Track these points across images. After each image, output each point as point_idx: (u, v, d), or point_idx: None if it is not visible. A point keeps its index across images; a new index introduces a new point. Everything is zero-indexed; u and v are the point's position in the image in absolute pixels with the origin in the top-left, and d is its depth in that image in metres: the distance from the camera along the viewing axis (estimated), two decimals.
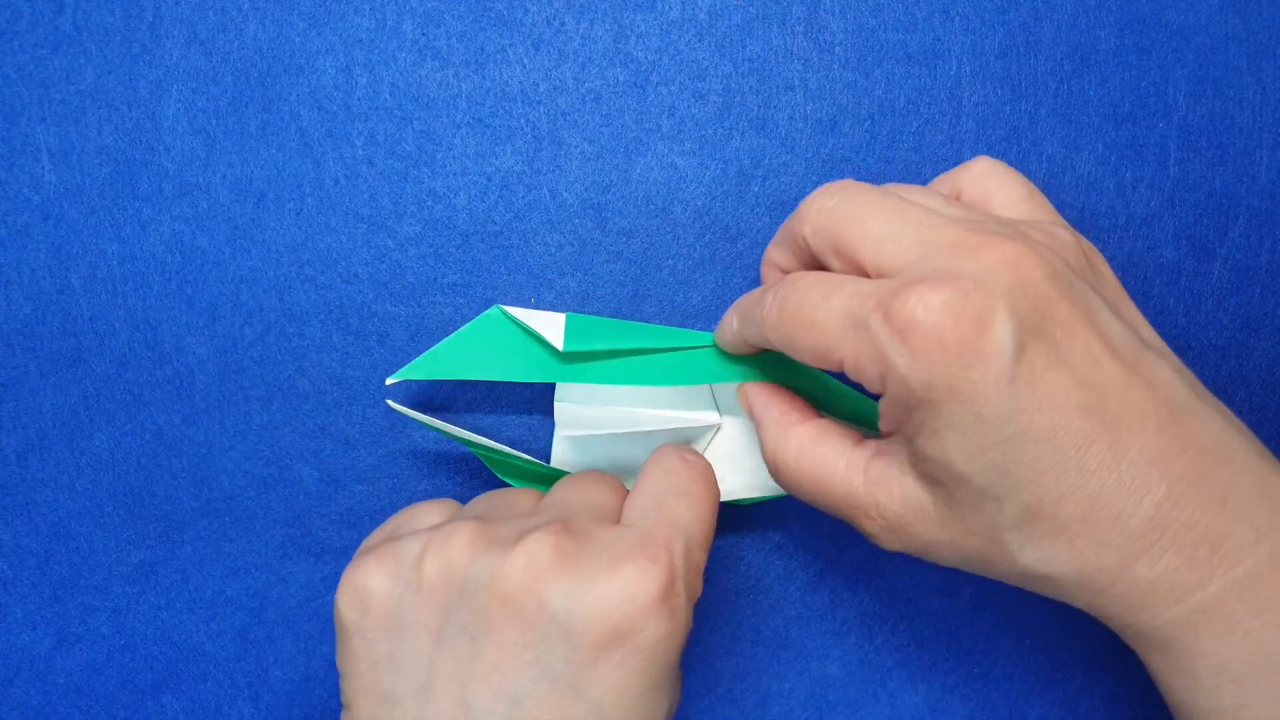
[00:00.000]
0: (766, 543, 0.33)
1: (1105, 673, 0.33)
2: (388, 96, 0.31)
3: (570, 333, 0.29)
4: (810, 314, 0.23)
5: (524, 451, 0.32)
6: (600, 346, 0.28)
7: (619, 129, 0.31)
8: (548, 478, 0.30)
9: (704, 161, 0.31)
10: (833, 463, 0.25)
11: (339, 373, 0.31)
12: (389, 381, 0.29)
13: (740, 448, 0.30)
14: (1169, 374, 0.22)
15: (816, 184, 0.31)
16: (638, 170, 0.31)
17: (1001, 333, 0.20)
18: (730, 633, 0.33)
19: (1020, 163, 0.31)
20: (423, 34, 0.31)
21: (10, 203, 0.31)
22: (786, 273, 0.27)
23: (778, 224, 0.31)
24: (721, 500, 0.30)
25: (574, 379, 0.29)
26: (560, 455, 0.31)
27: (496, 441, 0.30)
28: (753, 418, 0.28)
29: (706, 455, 0.30)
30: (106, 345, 0.31)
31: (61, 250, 0.31)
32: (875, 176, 0.31)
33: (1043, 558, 0.22)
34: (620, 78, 0.31)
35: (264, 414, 0.31)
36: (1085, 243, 0.24)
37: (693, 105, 0.31)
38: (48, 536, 0.32)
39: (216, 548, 0.32)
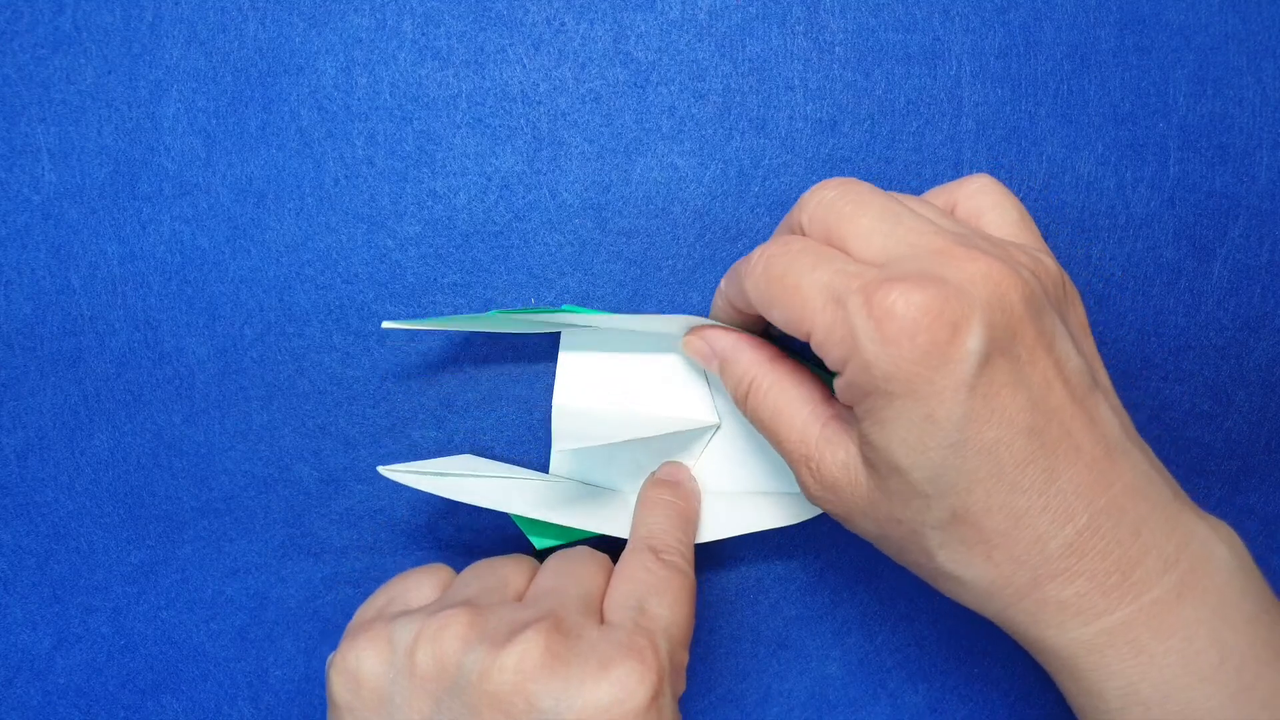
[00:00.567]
0: (767, 543, 0.33)
1: None
2: (388, 96, 0.31)
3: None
4: (795, 279, 0.23)
5: (523, 464, 0.32)
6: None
7: (619, 129, 0.31)
8: (561, 531, 0.30)
9: (704, 161, 0.31)
10: (798, 407, 0.25)
11: (339, 373, 0.31)
12: (386, 325, 0.28)
13: (739, 450, 0.30)
14: (1109, 414, 0.23)
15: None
16: (638, 170, 0.31)
17: (972, 342, 0.21)
18: (730, 633, 0.33)
19: (1020, 163, 0.31)
20: (422, 34, 0.31)
21: (10, 203, 0.31)
22: None
23: (778, 224, 0.31)
24: (732, 513, 0.30)
25: (574, 346, 0.30)
26: (560, 460, 0.31)
27: (493, 458, 0.30)
28: (714, 358, 0.28)
29: (704, 456, 0.30)
30: (106, 345, 0.31)
31: (61, 250, 0.31)
32: (875, 176, 0.31)
33: (958, 560, 0.23)
34: (620, 78, 0.31)
35: (264, 414, 0.31)
36: (1066, 276, 0.25)
37: (693, 105, 0.31)
38: (47, 536, 0.32)
39: (216, 548, 0.32)
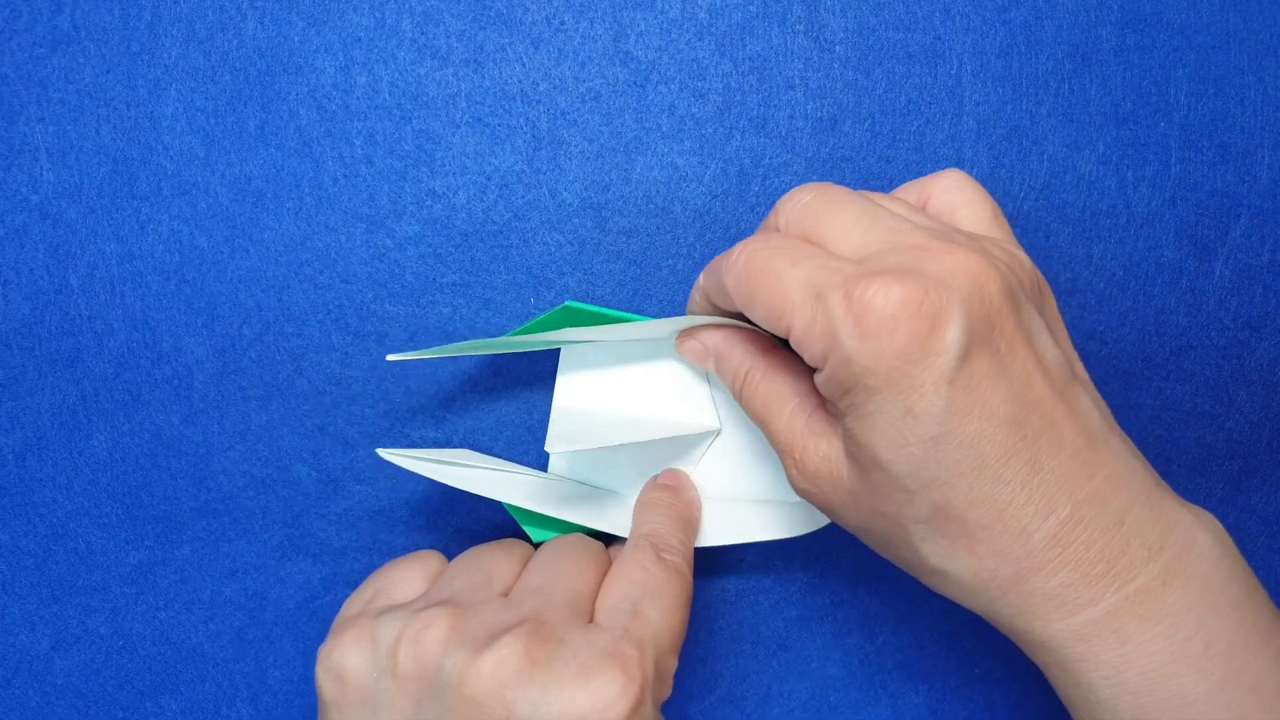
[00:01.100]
0: (767, 544, 0.32)
1: None
2: (386, 95, 0.31)
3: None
4: (775, 273, 0.23)
5: (522, 463, 0.32)
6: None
7: (619, 128, 0.31)
8: (558, 524, 0.30)
9: (704, 161, 0.31)
10: (786, 397, 0.26)
11: (337, 373, 0.31)
12: (390, 358, 0.28)
13: (740, 456, 0.30)
14: (1089, 404, 0.23)
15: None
16: (638, 170, 0.31)
17: (951, 334, 0.21)
18: (731, 634, 0.33)
19: (1022, 162, 0.31)
20: (422, 33, 0.31)
21: (8, 202, 0.30)
22: None
23: None
24: (732, 521, 0.30)
25: (572, 365, 0.30)
26: (558, 460, 0.31)
27: (494, 456, 0.30)
28: (708, 356, 0.28)
29: (704, 461, 0.30)
30: (105, 345, 0.31)
31: (60, 250, 0.31)
32: (876, 176, 0.31)
33: (941, 554, 0.23)
34: (620, 77, 0.31)
35: (262, 414, 0.31)
36: (1038, 272, 0.25)
37: (693, 104, 0.31)
38: (46, 537, 0.32)
39: (215, 548, 0.32)
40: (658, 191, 0.31)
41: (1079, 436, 0.22)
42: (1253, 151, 0.32)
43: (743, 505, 0.30)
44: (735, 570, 0.33)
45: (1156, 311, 0.32)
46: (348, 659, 0.24)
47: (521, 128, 0.31)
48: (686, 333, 0.29)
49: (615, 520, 0.30)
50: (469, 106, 0.31)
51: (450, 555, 0.32)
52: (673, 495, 0.29)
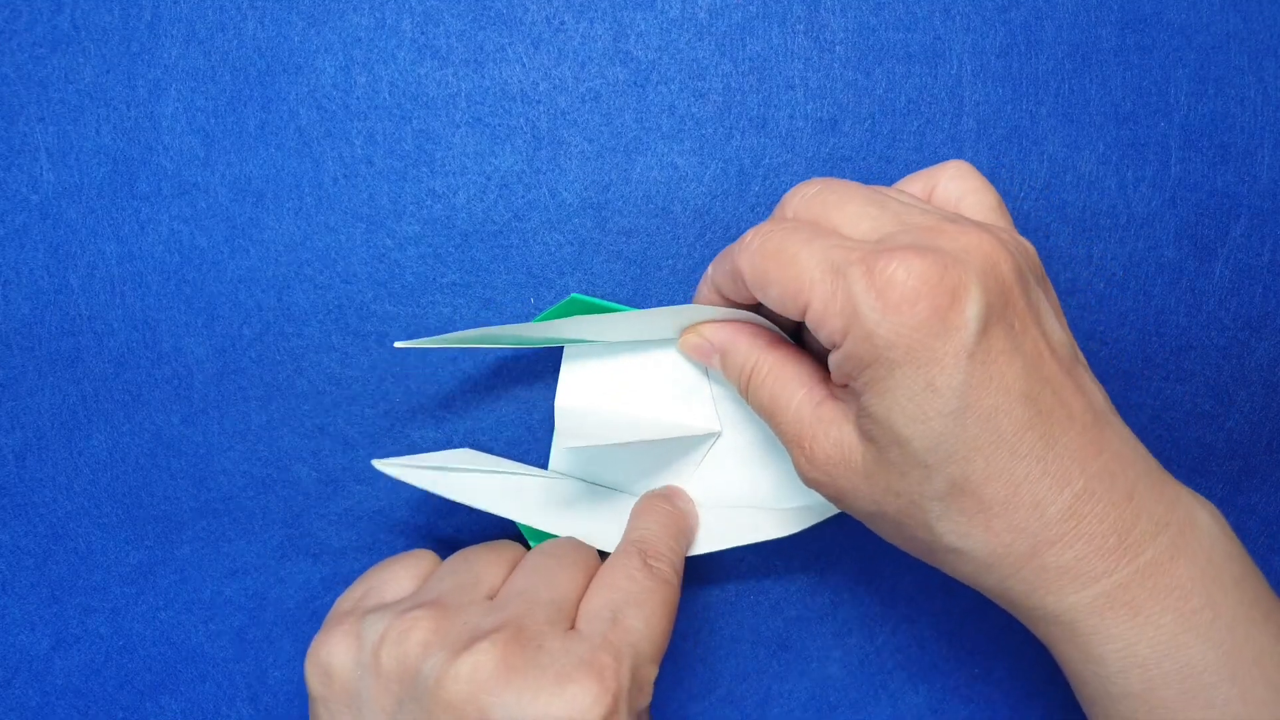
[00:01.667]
0: (767, 544, 0.32)
1: None
2: (386, 95, 0.31)
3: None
4: (791, 252, 0.24)
5: (522, 460, 0.32)
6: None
7: (619, 128, 0.31)
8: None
9: (704, 161, 0.31)
10: (794, 389, 0.26)
11: (337, 373, 0.31)
12: (398, 345, 0.28)
13: (741, 460, 0.30)
14: (1093, 385, 0.24)
15: None
16: (638, 170, 0.31)
17: (971, 309, 0.21)
18: (731, 634, 0.33)
19: (1021, 162, 0.31)
20: (422, 33, 0.31)
21: (8, 202, 0.30)
22: None
23: None
24: (729, 525, 0.30)
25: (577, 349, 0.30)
26: (559, 457, 0.31)
27: (496, 455, 0.30)
28: (714, 351, 0.28)
29: (705, 464, 0.30)
30: (105, 345, 0.31)
31: (60, 250, 0.31)
32: (876, 175, 0.31)
33: (958, 531, 0.23)
34: (620, 77, 0.31)
35: (262, 414, 0.31)
36: (1039, 257, 0.26)
37: (693, 104, 0.31)
38: (46, 537, 0.32)
39: (215, 548, 0.32)
40: (658, 191, 0.31)
41: (1087, 413, 0.23)
42: (1253, 151, 0.32)
43: (742, 512, 0.30)
44: (735, 570, 0.33)
45: (1156, 311, 0.32)
46: (334, 656, 0.25)
47: (521, 128, 0.31)
48: (690, 329, 0.28)
49: (610, 531, 0.30)
50: (469, 106, 0.31)
51: (450, 556, 0.32)
52: (669, 502, 0.29)
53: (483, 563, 0.27)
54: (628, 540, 0.28)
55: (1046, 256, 0.32)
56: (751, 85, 0.31)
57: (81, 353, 0.31)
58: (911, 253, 0.22)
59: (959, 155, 0.31)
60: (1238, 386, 0.32)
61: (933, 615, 0.33)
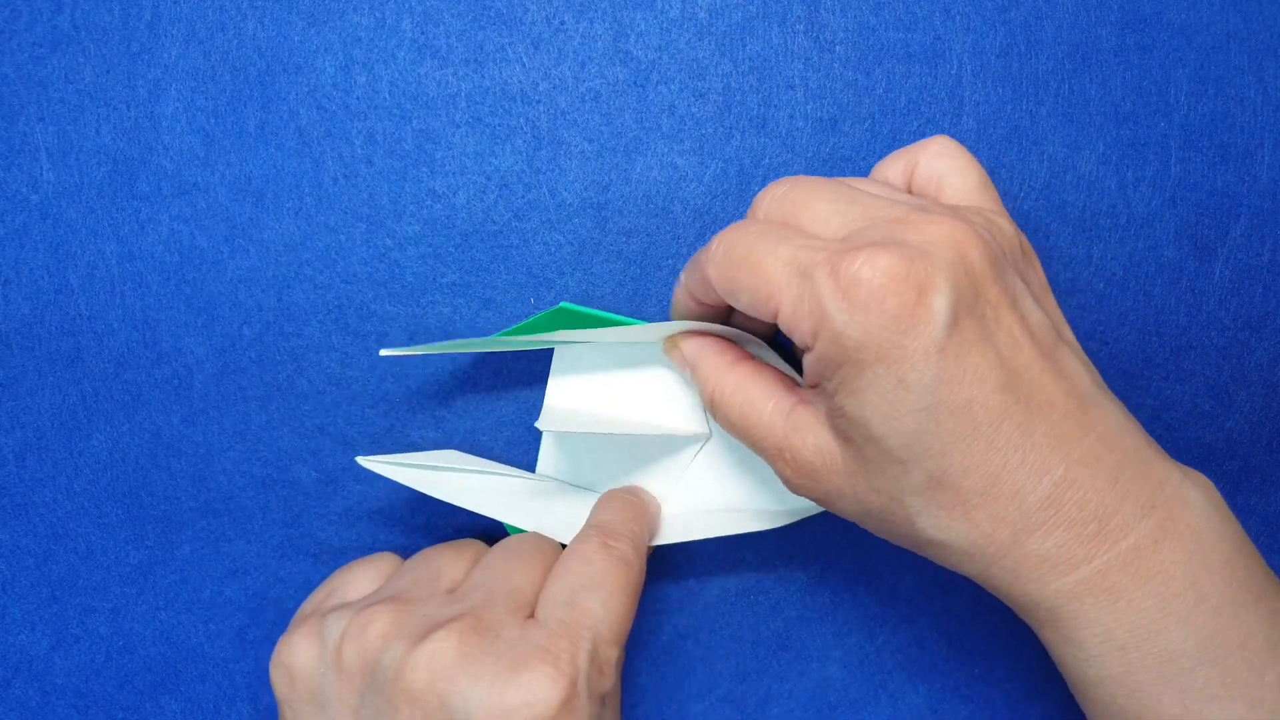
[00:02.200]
0: (767, 544, 0.32)
1: None
2: (386, 95, 0.31)
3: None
4: (757, 257, 0.23)
5: (520, 467, 0.32)
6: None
7: (619, 128, 0.31)
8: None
9: (704, 161, 0.31)
10: (761, 404, 0.26)
11: (337, 373, 0.31)
12: (383, 353, 0.28)
13: (729, 464, 0.30)
14: (1078, 366, 0.23)
15: None
16: (638, 169, 0.31)
17: (939, 303, 0.21)
18: (730, 634, 0.33)
19: (1021, 162, 0.31)
20: (422, 32, 0.31)
21: (8, 202, 0.30)
22: None
23: None
24: (706, 519, 0.30)
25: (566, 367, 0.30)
26: (546, 459, 0.31)
27: (491, 459, 0.30)
28: (687, 365, 0.28)
29: (692, 468, 0.30)
30: (105, 345, 0.31)
31: (60, 250, 0.31)
32: None
33: (939, 525, 0.23)
34: (620, 76, 0.31)
35: (262, 414, 0.31)
36: (1022, 235, 0.25)
37: (693, 104, 0.31)
38: (46, 537, 0.32)
39: (215, 548, 0.32)
40: (658, 191, 0.31)
41: (1069, 398, 0.22)
42: (1253, 151, 0.32)
43: (731, 513, 0.30)
44: (735, 570, 0.33)
45: (1156, 311, 0.32)
46: (296, 656, 0.25)
47: (521, 128, 0.31)
48: (669, 341, 0.29)
49: None
50: (469, 106, 0.31)
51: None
52: (629, 492, 0.30)
53: (444, 559, 0.28)
54: (586, 525, 0.28)
55: (1046, 256, 0.32)
56: (751, 85, 0.31)
57: (81, 353, 0.31)
58: (876, 250, 0.21)
59: None
60: (1238, 387, 0.32)
61: (933, 615, 0.33)
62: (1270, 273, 0.32)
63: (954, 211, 0.24)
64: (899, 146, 0.31)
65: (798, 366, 0.28)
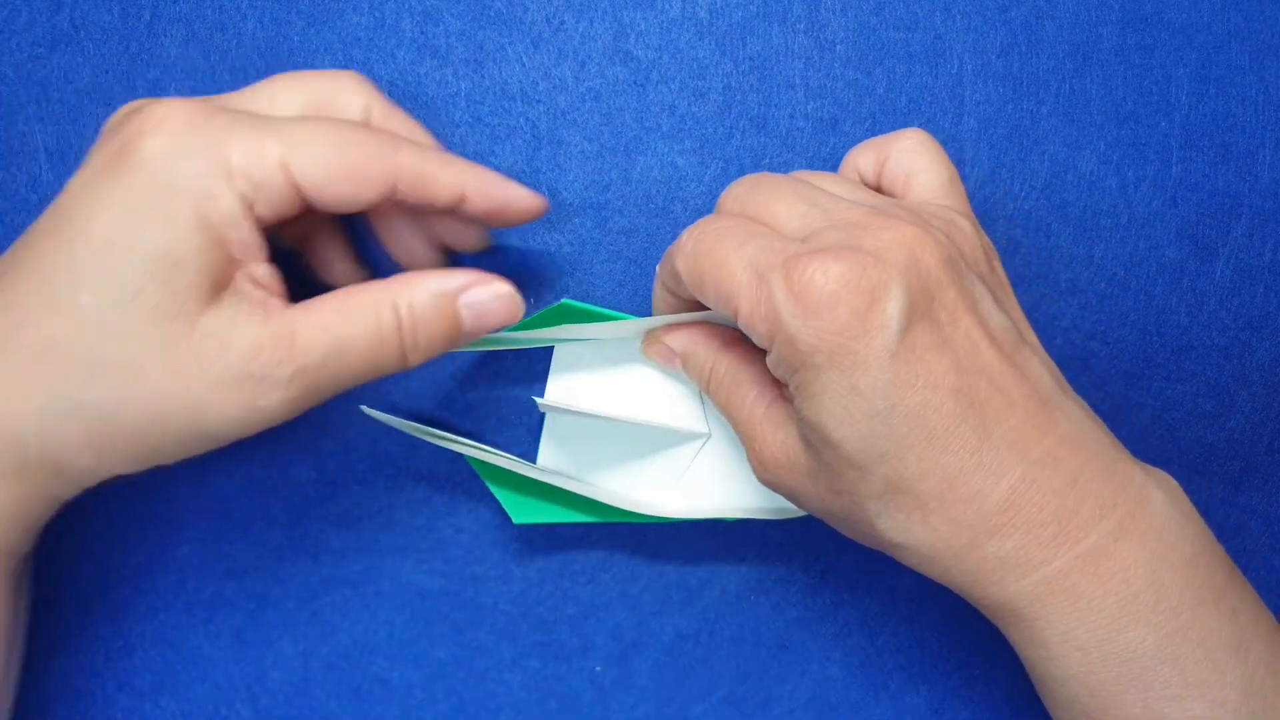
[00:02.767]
0: (767, 545, 0.32)
1: None
2: (386, 94, 0.31)
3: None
4: (721, 255, 0.24)
5: (511, 453, 0.32)
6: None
7: (619, 127, 0.31)
8: (537, 485, 0.30)
9: (704, 160, 0.31)
10: (746, 389, 0.26)
11: None
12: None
13: (729, 462, 0.30)
14: (1039, 368, 0.23)
15: None
16: (638, 169, 0.31)
17: (891, 308, 0.21)
18: (731, 635, 0.33)
19: (1022, 162, 0.31)
20: (421, 32, 0.31)
21: (8, 202, 0.30)
22: None
23: None
24: (707, 517, 0.30)
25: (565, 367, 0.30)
26: (547, 455, 0.31)
27: (482, 445, 0.30)
28: (674, 358, 0.28)
29: (694, 467, 0.30)
30: None
31: None
32: None
33: (898, 528, 0.23)
34: (620, 76, 0.31)
35: None
36: (984, 237, 0.26)
37: (693, 104, 0.31)
38: (45, 537, 0.31)
39: (214, 549, 0.32)
40: (658, 191, 0.31)
41: (1030, 400, 0.22)
42: (1254, 151, 0.32)
43: (729, 513, 0.30)
44: (735, 571, 0.32)
45: (1158, 311, 0.32)
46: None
47: (521, 127, 0.31)
48: (650, 337, 0.29)
49: (602, 497, 0.30)
50: (469, 106, 0.31)
51: (453, 560, 0.32)
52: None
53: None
54: None
55: (1047, 256, 0.31)
56: (751, 85, 0.31)
57: None
58: (828, 256, 0.22)
59: (960, 154, 0.31)
60: (1239, 387, 0.32)
61: (933, 616, 0.33)
62: (1271, 273, 0.32)
63: (913, 214, 0.24)
64: None
65: None
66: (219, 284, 0.23)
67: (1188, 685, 0.22)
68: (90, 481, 0.24)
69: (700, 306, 0.28)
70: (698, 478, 0.30)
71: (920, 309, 0.22)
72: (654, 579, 0.32)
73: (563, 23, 0.31)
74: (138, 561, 0.32)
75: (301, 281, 0.29)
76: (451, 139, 0.31)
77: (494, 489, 0.30)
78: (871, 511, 0.23)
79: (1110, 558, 0.22)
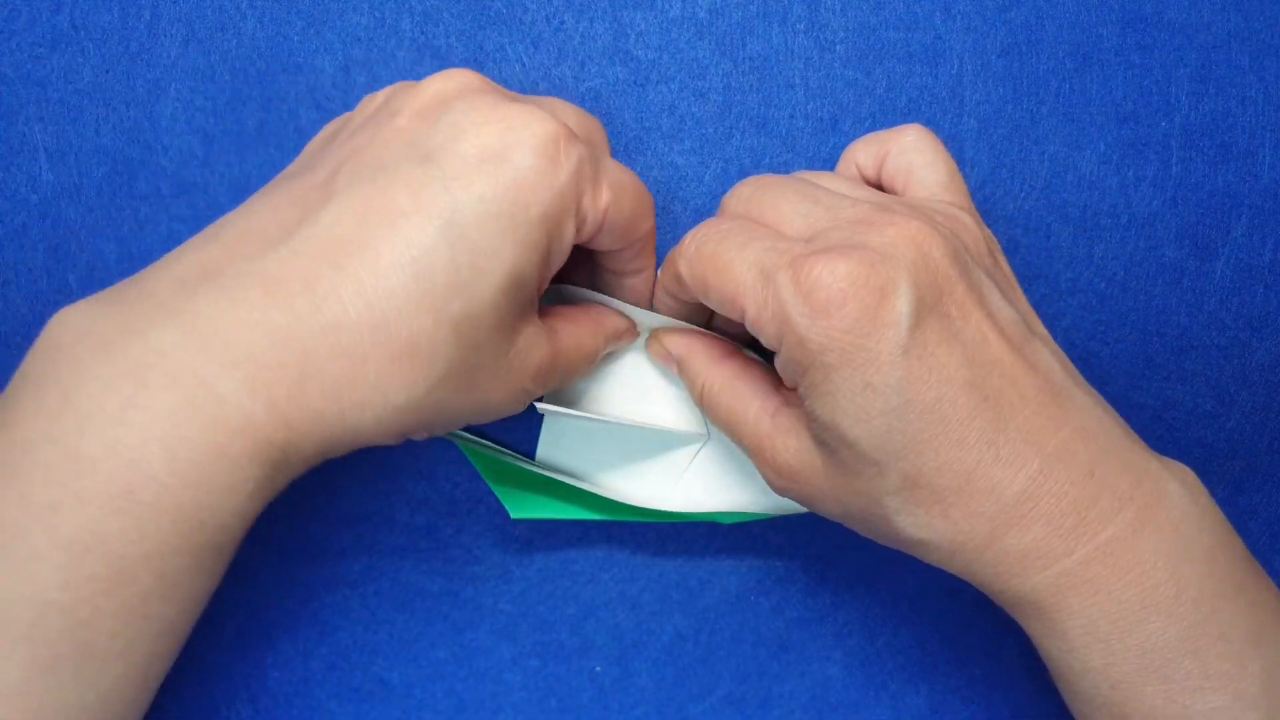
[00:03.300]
0: (767, 545, 0.32)
1: None
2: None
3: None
4: (725, 258, 0.24)
5: (510, 449, 0.32)
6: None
7: (619, 128, 0.31)
8: (533, 479, 0.30)
9: (704, 160, 0.31)
10: (748, 402, 0.26)
11: None
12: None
13: (727, 463, 0.30)
14: (1050, 359, 0.23)
15: None
16: (637, 169, 0.31)
17: (901, 304, 0.21)
18: (731, 635, 0.33)
19: (1022, 161, 0.31)
20: (421, 32, 0.31)
21: (8, 202, 0.30)
22: None
23: None
24: (705, 515, 0.30)
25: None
26: (546, 454, 0.31)
27: (483, 440, 0.30)
28: (671, 359, 0.28)
29: (691, 469, 0.30)
30: None
31: (59, 250, 0.31)
32: None
33: (917, 524, 0.23)
34: (620, 76, 0.31)
35: None
36: (986, 230, 0.26)
37: (693, 104, 0.31)
38: None
39: None
40: (658, 191, 0.31)
41: (1042, 392, 0.22)
42: (1254, 151, 0.32)
43: (726, 509, 0.30)
44: (735, 571, 0.32)
45: (1158, 311, 0.32)
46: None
47: None
48: (654, 336, 0.29)
49: (601, 490, 0.30)
50: None
51: (453, 560, 0.32)
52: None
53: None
54: None
55: (1047, 256, 0.31)
56: (751, 85, 0.31)
57: None
58: (835, 254, 0.22)
59: (960, 154, 0.31)
60: (1239, 387, 0.32)
61: (933, 615, 0.33)
62: (1271, 272, 0.32)
63: (917, 210, 0.24)
64: None
65: None
66: (533, 303, 0.24)
67: (1208, 677, 0.22)
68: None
69: (701, 311, 0.28)
70: (696, 479, 0.30)
71: (929, 304, 0.22)
72: (654, 579, 0.32)
73: (563, 23, 0.31)
74: None
75: None
76: None
77: (492, 484, 0.30)
78: (890, 509, 0.23)
79: (1130, 549, 0.22)
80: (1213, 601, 0.22)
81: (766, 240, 0.23)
